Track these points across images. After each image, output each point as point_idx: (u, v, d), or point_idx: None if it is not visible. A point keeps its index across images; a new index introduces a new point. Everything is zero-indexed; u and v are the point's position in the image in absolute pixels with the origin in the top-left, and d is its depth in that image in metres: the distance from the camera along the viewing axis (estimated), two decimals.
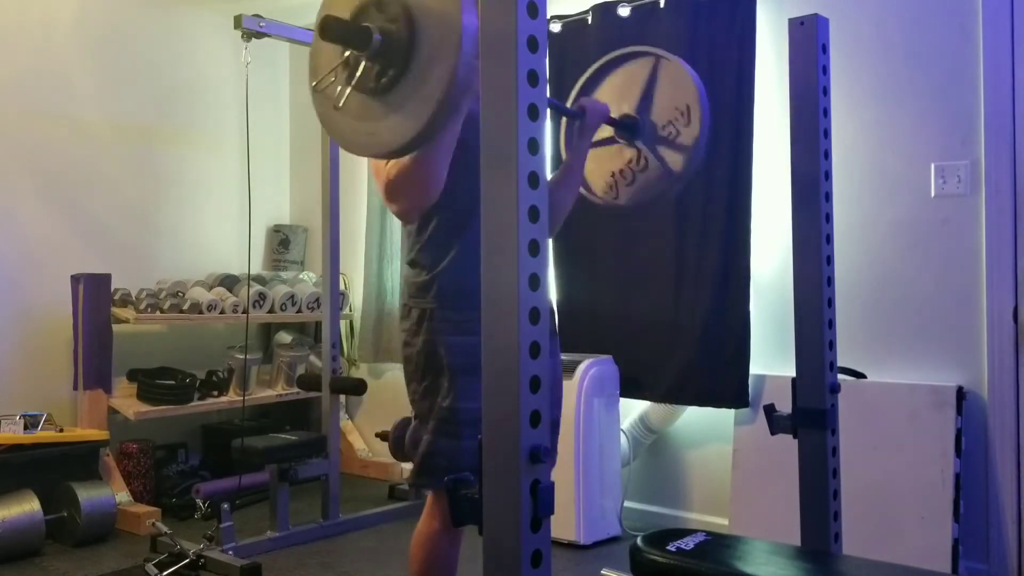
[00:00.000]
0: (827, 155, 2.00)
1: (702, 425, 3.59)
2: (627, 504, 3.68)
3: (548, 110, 1.39)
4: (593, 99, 2.21)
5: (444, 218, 1.91)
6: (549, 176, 2.12)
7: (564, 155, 2.22)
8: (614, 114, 2.23)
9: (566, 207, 2.13)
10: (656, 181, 2.25)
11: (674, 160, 2.21)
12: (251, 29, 3.51)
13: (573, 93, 2.34)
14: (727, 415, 3.46)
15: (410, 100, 1.53)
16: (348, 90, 1.62)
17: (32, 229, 4.16)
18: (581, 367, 3.44)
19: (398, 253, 4.63)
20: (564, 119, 2.20)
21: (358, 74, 1.59)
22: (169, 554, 3.12)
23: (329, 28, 1.53)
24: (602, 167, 2.29)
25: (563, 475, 3.36)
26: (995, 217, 2.95)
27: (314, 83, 1.73)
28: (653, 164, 2.24)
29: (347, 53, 1.61)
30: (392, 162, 1.80)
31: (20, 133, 4.13)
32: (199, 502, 3.43)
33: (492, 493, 1.29)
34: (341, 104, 1.64)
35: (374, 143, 1.62)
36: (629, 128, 2.23)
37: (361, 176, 4.77)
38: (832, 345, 1.99)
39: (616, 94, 2.28)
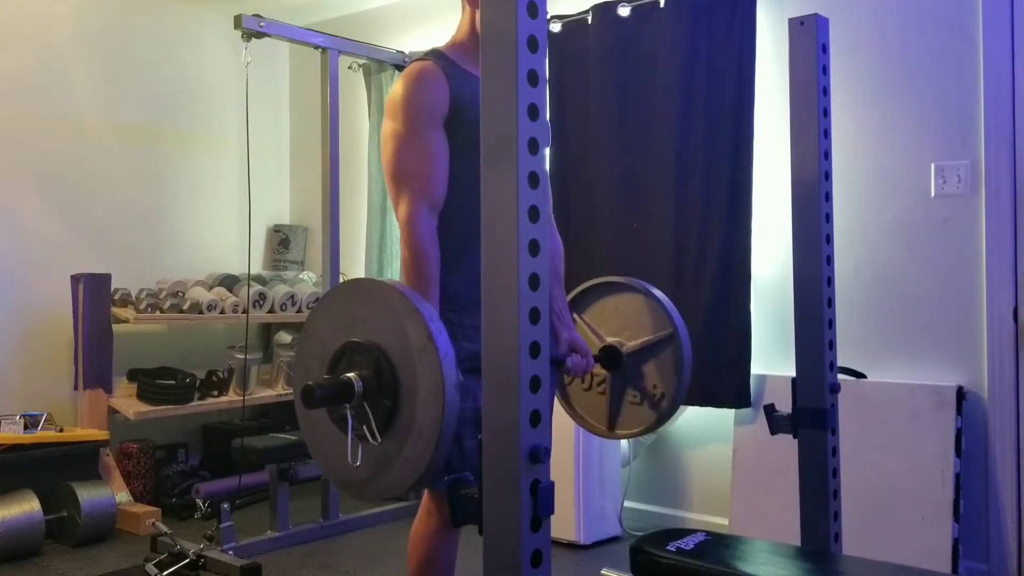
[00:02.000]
0: (827, 155, 2.00)
1: (702, 425, 3.59)
2: (627, 504, 3.68)
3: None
4: (578, 338, 2.12)
5: (454, 219, 1.91)
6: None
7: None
8: (611, 332, 2.24)
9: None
10: (601, 415, 2.27)
11: (623, 416, 2.23)
12: (251, 29, 3.51)
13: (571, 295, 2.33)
14: (727, 415, 3.46)
15: (406, 442, 1.47)
16: (351, 441, 1.54)
17: (32, 229, 4.16)
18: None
19: (398, 253, 4.62)
20: None
21: (355, 425, 1.52)
22: (169, 554, 3.12)
23: (311, 397, 1.46)
24: (634, 410, 2.26)
25: (563, 475, 3.36)
26: (995, 217, 2.95)
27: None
28: (607, 399, 2.25)
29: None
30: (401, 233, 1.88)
31: (20, 133, 4.13)
32: (199, 502, 3.42)
33: (492, 493, 1.29)
34: (354, 460, 1.55)
35: (379, 489, 1.54)
36: (609, 360, 2.22)
37: (361, 176, 4.77)
38: (832, 345, 1.99)
39: (620, 317, 2.26)
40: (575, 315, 2.29)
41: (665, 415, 2.18)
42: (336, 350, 1.53)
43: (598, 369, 2.26)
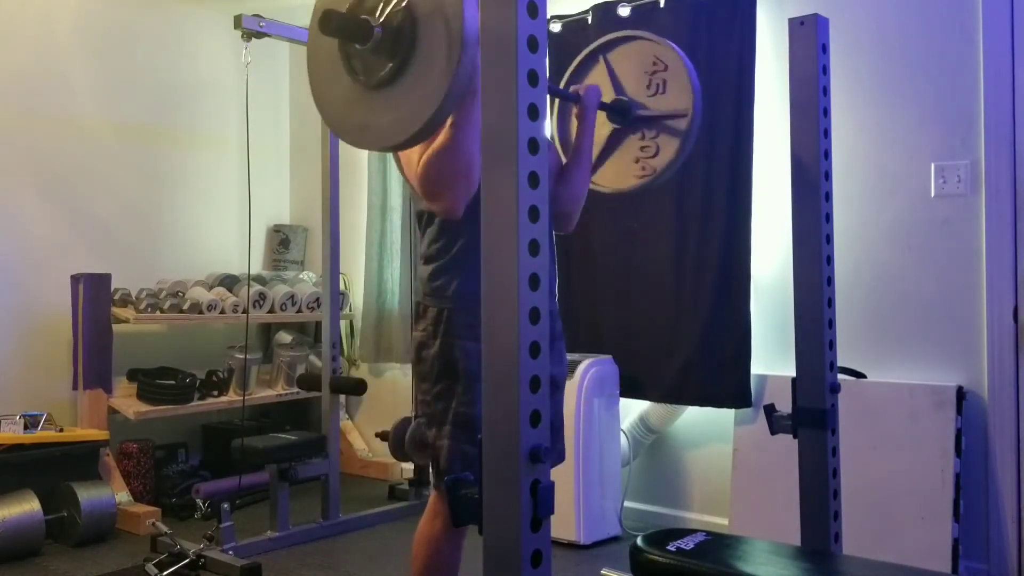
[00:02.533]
0: (827, 155, 2.00)
1: (702, 425, 3.59)
2: (627, 504, 3.68)
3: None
4: (586, 85, 2.23)
5: (472, 217, 1.87)
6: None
7: (556, 141, 2.29)
8: (608, 97, 2.29)
9: (584, 188, 2.17)
10: (675, 137, 2.26)
11: (675, 105, 2.23)
12: (251, 29, 3.51)
13: (564, 79, 2.41)
14: (727, 415, 3.46)
15: (413, 94, 1.52)
16: (349, 82, 1.60)
17: (32, 229, 4.16)
18: (581, 367, 3.44)
19: (398, 253, 4.63)
20: (554, 109, 2.28)
21: (359, 67, 1.58)
22: (169, 554, 3.12)
23: (329, 22, 1.52)
24: (624, 163, 2.31)
25: (563, 475, 3.35)
26: (995, 217, 2.95)
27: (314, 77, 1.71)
28: (663, 127, 2.26)
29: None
30: (424, 157, 1.76)
31: (20, 133, 4.13)
32: (199, 502, 3.42)
33: (492, 493, 1.29)
34: (343, 96, 1.61)
35: (374, 137, 1.61)
36: (621, 110, 2.27)
37: (361, 176, 4.77)
38: (832, 345, 1.99)
39: (616, 74, 2.33)
40: (600, 56, 2.35)
41: (645, 182, 2.23)
42: None
43: (603, 127, 2.29)
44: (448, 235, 1.95)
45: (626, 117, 2.27)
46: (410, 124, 1.53)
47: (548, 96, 2.05)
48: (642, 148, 2.27)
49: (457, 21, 1.46)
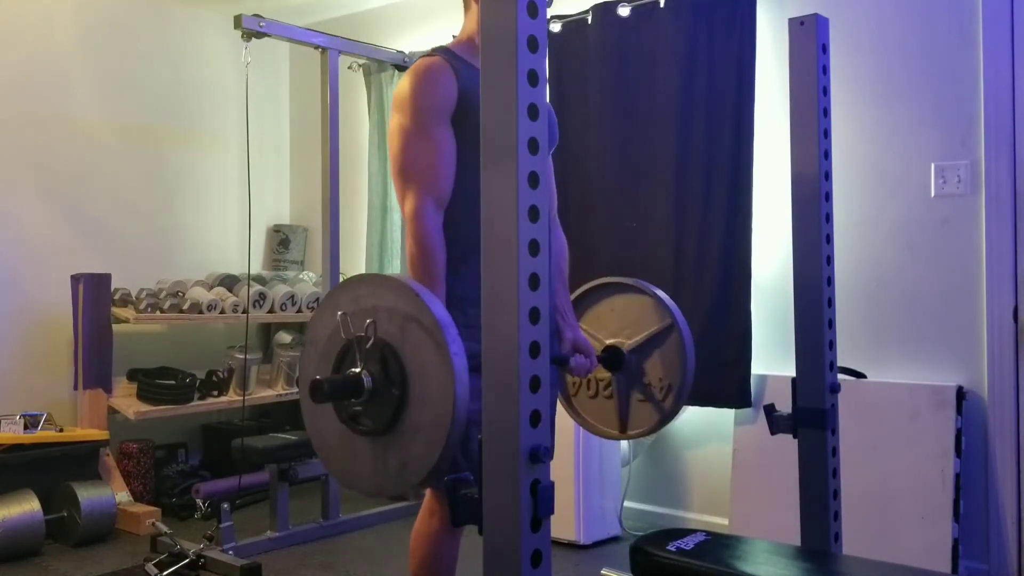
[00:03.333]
0: (827, 155, 2.00)
1: (702, 425, 3.59)
2: (627, 504, 3.68)
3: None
4: (581, 338, 2.13)
5: (460, 217, 1.89)
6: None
7: None
8: (610, 334, 2.25)
9: None
10: (609, 417, 2.27)
11: (632, 416, 2.23)
12: (251, 29, 3.51)
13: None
14: (727, 415, 3.46)
15: (414, 439, 1.45)
16: (345, 431, 1.54)
17: (32, 229, 4.16)
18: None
19: (398, 253, 4.63)
20: None
21: (357, 418, 1.51)
22: (169, 554, 3.12)
23: (320, 391, 1.45)
24: (640, 406, 2.26)
25: (563, 475, 3.36)
26: (995, 217, 2.95)
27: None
28: (616, 401, 2.26)
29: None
30: (408, 232, 1.88)
31: (20, 133, 4.13)
32: (199, 502, 3.43)
33: (492, 493, 1.29)
34: (341, 443, 1.55)
35: (379, 485, 1.54)
36: (612, 361, 2.22)
37: (362, 176, 4.77)
38: (832, 345, 1.99)
39: (615, 318, 2.26)
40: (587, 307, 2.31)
41: (673, 410, 2.18)
42: (343, 346, 1.53)
43: (602, 373, 2.26)
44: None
45: (615, 368, 2.22)
46: (416, 471, 1.46)
47: None
48: (647, 384, 2.23)
49: (441, 347, 1.40)
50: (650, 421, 2.21)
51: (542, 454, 1.27)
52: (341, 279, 4.37)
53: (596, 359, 2.12)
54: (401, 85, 1.92)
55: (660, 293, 2.22)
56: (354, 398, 1.49)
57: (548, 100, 2.08)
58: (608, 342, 2.24)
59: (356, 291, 1.55)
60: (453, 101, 1.87)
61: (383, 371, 1.47)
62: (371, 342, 1.49)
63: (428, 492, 2.02)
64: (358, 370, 1.49)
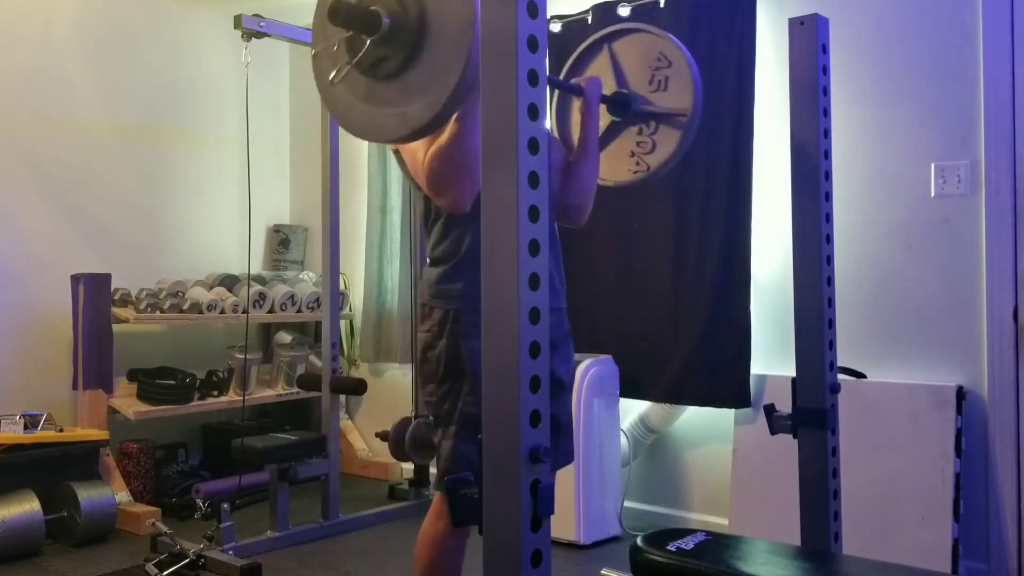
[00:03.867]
0: (827, 155, 2.00)
1: (702, 425, 3.59)
2: (627, 504, 3.68)
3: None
4: (586, 77, 2.23)
5: (470, 215, 1.86)
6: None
7: (555, 132, 2.29)
8: (609, 88, 2.29)
9: (594, 181, 2.18)
10: (672, 134, 2.27)
11: (676, 103, 2.24)
12: (251, 29, 3.51)
13: (565, 71, 2.42)
14: (727, 415, 3.46)
15: (422, 87, 1.51)
16: (355, 74, 1.59)
17: (32, 229, 4.16)
18: (581, 367, 3.44)
19: (398, 253, 4.63)
20: (553, 103, 2.28)
21: (366, 58, 1.57)
22: (169, 554, 3.12)
23: (338, 11, 1.51)
24: (619, 156, 2.32)
25: (563, 475, 3.34)
26: (995, 217, 2.95)
27: (315, 56, 1.68)
28: (662, 123, 2.27)
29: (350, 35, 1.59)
30: (430, 152, 1.77)
31: (20, 133, 4.13)
32: (199, 502, 3.42)
33: (492, 493, 1.28)
34: (348, 88, 1.60)
35: (383, 130, 1.59)
36: (622, 103, 2.27)
37: (361, 176, 4.77)
38: (832, 345, 1.99)
39: (617, 67, 2.33)
40: (605, 45, 2.36)
41: (637, 178, 2.25)
42: None
43: (603, 118, 2.28)
44: (453, 235, 1.95)
45: (627, 110, 2.28)
46: (419, 117, 1.52)
47: (549, 88, 2.07)
48: (639, 143, 2.29)
49: (468, 10, 1.45)
50: (606, 177, 2.28)
51: (542, 454, 1.26)
52: (341, 279, 4.38)
53: (603, 93, 2.18)
54: None
55: (655, 28, 2.29)
56: (368, 34, 1.52)
57: (548, 100, 2.09)
58: (624, 89, 2.28)
59: None
60: None
61: (403, 12, 1.50)
62: None
63: (436, 495, 2.01)
64: (379, 8, 1.52)
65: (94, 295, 3.92)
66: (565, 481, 3.35)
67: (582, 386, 3.41)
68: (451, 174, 1.77)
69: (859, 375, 2.15)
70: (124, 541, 3.55)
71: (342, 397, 4.36)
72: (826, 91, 2.00)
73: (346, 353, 4.82)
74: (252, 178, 3.92)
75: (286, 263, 5.10)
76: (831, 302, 1.99)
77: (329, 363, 3.75)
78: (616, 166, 2.32)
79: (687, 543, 1.71)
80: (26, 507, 3.34)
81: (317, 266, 4.79)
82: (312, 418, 4.68)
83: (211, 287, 4.40)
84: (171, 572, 3.05)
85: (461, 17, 1.47)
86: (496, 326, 1.28)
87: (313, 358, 4.63)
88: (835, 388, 1.99)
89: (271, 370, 4.59)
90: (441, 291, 1.94)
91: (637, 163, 2.29)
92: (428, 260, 2.01)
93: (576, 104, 2.23)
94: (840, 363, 2.03)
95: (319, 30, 1.68)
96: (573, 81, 2.20)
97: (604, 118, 2.31)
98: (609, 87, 2.30)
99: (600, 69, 2.35)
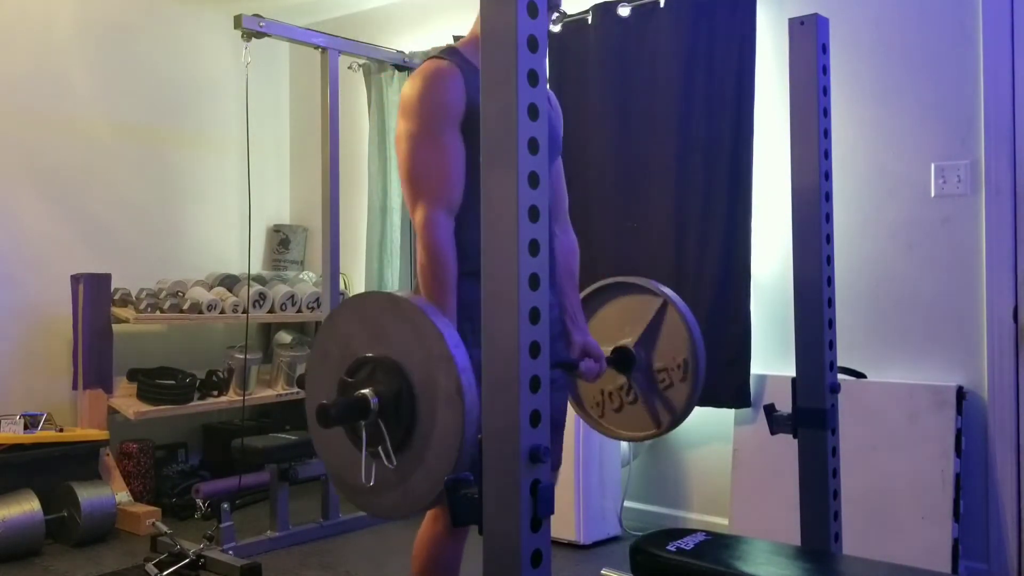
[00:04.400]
0: (827, 155, 2.00)
1: (702, 425, 3.58)
2: (627, 504, 3.68)
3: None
4: (591, 342, 2.07)
5: (470, 223, 1.83)
6: None
7: None
8: (612, 341, 2.20)
9: None
10: (641, 420, 2.22)
11: (661, 408, 2.19)
12: (251, 29, 3.51)
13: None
14: (727, 415, 3.46)
15: (423, 460, 1.43)
16: (353, 450, 1.52)
17: (32, 229, 4.16)
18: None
19: (398, 253, 4.63)
20: None
21: (364, 441, 1.49)
22: (169, 554, 3.12)
23: (326, 416, 1.43)
24: (638, 413, 2.24)
25: (563, 475, 3.35)
26: (995, 217, 2.95)
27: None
28: (641, 403, 2.22)
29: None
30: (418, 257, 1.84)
31: (20, 133, 4.13)
32: (199, 502, 3.42)
33: (492, 493, 1.28)
34: (349, 463, 1.53)
35: (392, 506, 1.51)
36: (622, 362, 2.19)
37: (361, 176, 4.77)
38: (832, 345, 1.99)
39: (618, 321, 2.24)
40: (595, 306, 2.27)
41: (697, 383, 2.13)
42: (350, 365, 1.51)
43: (618, 380, 2.22)
44: None
45: (628, 369, 2.19)
46: (426, 490, 1.44)
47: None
48: (620, 388, 2.23)
49: (452, 381, 1.38)
50: (681, 402, 2.16)
51: (542, 454, 1.26)
52: (341, 279, 4.37)
53: (605, 362, 2.07)
54: (407, 89, 1.87)
55: (644, 281, 2.21)
56: (361, 420, 1.46)
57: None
58: (615, 345, 2.20)
59: (361, 310, 1.52)
60: (462, 106, 1.82)
61: (391, 390, 1.44)
62: (377, 362, 1.47)
63: None
64: (366, 392, 1.46)
65: (94, 295, 3.92)
66: (565, 481, 3.35)
67: None
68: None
69: (859, 375, 2.15)
70: (124, 541, 3.55)
71: None
72: (826, 91, 2.00)
73: None
74: (252, 178, 3.92)
75: (286, 263, 5.10)
76: (831, 302, 1.99)
77: None
78: (671, 400, 2.20)
79: (687, 543, 1.71)
80: (26, 507, 3.34)
81: (317, 266, 4.79)
82: None
83: (211, 287, 4.40)
84: (171, 572, 3.05)
85: (446, 389, 1.40)
86: (496, 326, 1.28)
87: None
88: (835, 388, 1.99)
89: (271, 370, 4.59)
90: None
91: (598, 404, 2.29)
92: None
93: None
94: (840, 363, 2.03)
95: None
96: (573, 354, 2.04)
97: (619, 376, 2.23)
98: (632, 336, 2.21)
99: (597, 326, 2.25)
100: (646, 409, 2.21)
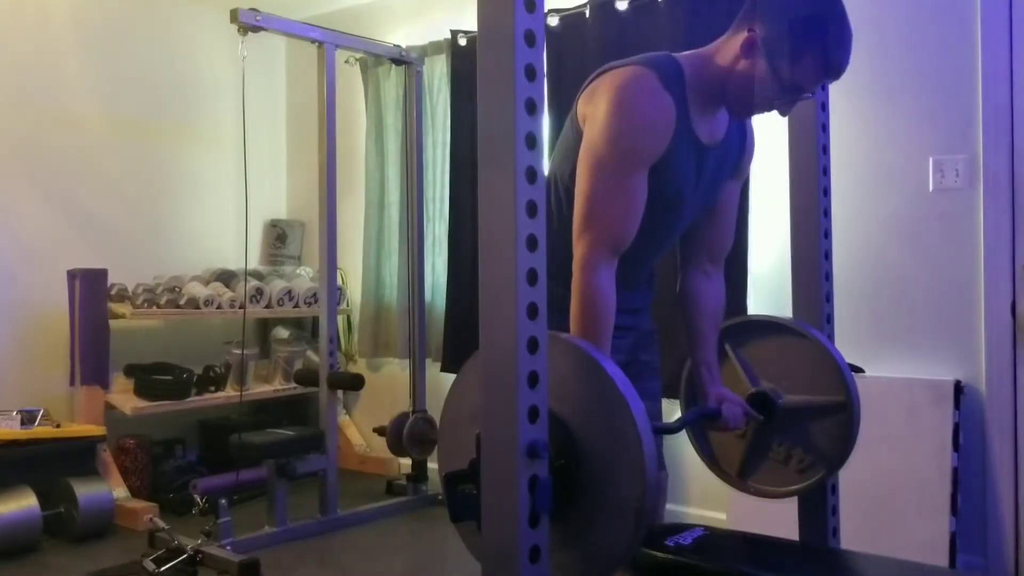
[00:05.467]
0: (825, 150, 2.00)
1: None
2: None
3: (553, 101, 1.29)
4: (729, 395, 1.84)
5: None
6: None
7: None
8: (761, 381, 1.94)
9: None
10: (734, 454, 1.98)
11: (768, 471, 1.93)
12: (247, 23, 3.49)
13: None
14: None
15: (601, 514, 1.32)
16: None
17: (28, 224, 4.14)
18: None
19: (396, 248, 4.62)
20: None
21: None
22: (167, 549, 3.12)
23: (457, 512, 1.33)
24: (776, 466, 1.97)
25: None
26: (993, 211, 2.95)
27: None
28: (748, 444, 1.96)
29: None
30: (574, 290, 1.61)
31: (16, 128, 4.12)
32: (197, 498, 3.42)
33: (491, 489, 1.28)
34: None
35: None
36: (759, 407, 1.89)
37: (359, 170, 4.76)
38: (830, 339, 1.98)
39: (781, 364, 1.93)
40: (727, 347, 1.96)
41: (810, 485, 1.88)
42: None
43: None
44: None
45: (772, 413, 1.89)
46: (605, 561, 1.32)
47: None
48: (791, 452, 1.93)
49: (624, 414, 1.27)
50: (782, 485, 1.92)
51: (540, 449, 1.26)
52: (339, 274, 4.37)
53: (749, 408, 1.83)
54: (612, 104, 1.61)
55: (838, 356, 1.88)
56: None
57: (546, 96, 1.83)
58: (761, 387, 1.91)
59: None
60: (663, 149, 1.63)
61: (553, 447, 1.28)
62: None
63: None
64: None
65: (90, 291, 3.91)
66: None
67: None
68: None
69: (857, 370, 2.15)
70: (122, 537, 3.54)
71: (340, 393, 4.36)
72: (824, 86, 1.99)
73: (344, 348, 4.82)
74: (249, 173, 3.90)
75: (283, 258, 5.09)
76: (829, 297, 1.99)
77: (327, 358, 3.74)
78: (768, 475, 1.97)
79: (685, 538, 1.70)
80: (23, 503, 3.33)
81: (314, 261, 4.78)
82: (310, 414, 4.67)
83: (208, 282, 4.39)
84: (169, 568, 3.05)
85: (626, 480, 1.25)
86: (494, 322, 1.28)
87: (311, 353, 4.62)
88: None
89: (268, 365, 4.59)
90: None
91: (798, 471, 1.92)
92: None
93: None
94: None
95: None
96: (710, 404, 1.82)
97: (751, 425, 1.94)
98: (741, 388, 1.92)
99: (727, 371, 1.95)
100: (743, 453, 1.98)
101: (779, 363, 1.91)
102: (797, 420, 1.88)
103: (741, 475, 1.99)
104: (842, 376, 1.85)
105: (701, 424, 1.88)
